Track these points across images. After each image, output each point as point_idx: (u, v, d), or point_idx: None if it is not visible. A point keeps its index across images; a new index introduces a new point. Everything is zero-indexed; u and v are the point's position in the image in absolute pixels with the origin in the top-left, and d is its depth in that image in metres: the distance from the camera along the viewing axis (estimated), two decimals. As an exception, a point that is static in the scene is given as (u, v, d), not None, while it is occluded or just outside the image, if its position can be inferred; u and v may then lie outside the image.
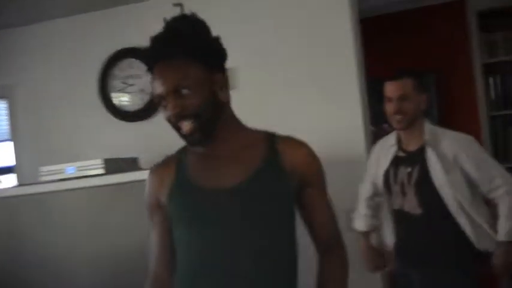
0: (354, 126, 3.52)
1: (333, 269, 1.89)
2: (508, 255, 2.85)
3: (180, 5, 1.73)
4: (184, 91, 1.73)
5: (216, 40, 1.81)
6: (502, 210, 2.88)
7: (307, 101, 3.63)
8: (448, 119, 5.11)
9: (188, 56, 1.74)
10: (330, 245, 1.90)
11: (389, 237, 3.13)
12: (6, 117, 4.40)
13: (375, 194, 3.20)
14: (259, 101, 3.67)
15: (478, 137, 4.99)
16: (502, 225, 2.87)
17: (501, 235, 2.86)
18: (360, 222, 3.24)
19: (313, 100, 3.62)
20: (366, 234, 3.24)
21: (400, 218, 3.02)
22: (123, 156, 3.76)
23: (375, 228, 3.25)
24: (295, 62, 3.66)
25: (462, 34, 5.07)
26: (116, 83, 4.09)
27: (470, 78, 5.05)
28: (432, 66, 5.13)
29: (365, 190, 3.25)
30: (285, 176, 1.78)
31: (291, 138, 1.88)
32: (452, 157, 2.88)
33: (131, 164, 3.70)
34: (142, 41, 4.24)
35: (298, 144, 1.87)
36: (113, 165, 3.56)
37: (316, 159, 1.88)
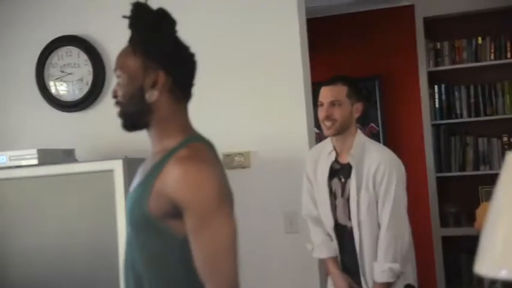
0: (298, 130, 3.54)
1: None
2: None
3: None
4: (119, 78, 1.80)
5: (167, 39, 1.79)
6: (380, 246, 2.87)
7: (251, 101, 3.64)
8: (392, 126, 5.21)
9: (133, 45, 1.77)
10: None
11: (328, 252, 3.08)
12: None
13: (316, 209, 3.12)
14: (200, 103, 3.65)
15: (420, 145, 5.13)
16: (379, 264, 2.87)
17: (377, 275, 2.86)
18: (322, 250, 3.08)
19: (257, 103, 3.63)
20: (331, 260, 3.05)
21: (340, 231, 3.01)
22: (58, 148, 3.69)
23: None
24: (240, 63, 3.66)
25: (409, 41, 5.17)
26: (53, 70, 4.00)
27: (415, 86, 5.16)
28: (378, 71, 5.22)
29: (308, 210, 3.16)
30: (146, 195, 1.73)
31: (184, 155, 1.71)
32: (372, 173, 2.89)
33: (67, 156, 3.63)
34: (82, 29, 4.20)
35: (178, 163, 1.69)
36: (48, 156, 3.49)
37: (192, 182, 1.65)
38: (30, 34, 4.05)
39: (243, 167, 3.57)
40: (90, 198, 3.36)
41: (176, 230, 1.69)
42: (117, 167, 3.26)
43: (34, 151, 3.44)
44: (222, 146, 3.55)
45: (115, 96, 1.82)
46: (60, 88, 4.01)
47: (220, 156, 3.50)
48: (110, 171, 3.25)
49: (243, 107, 3.64)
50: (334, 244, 3.03)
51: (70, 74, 3.98)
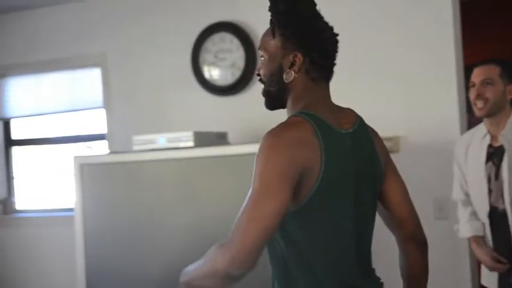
0: (449, 113, 3.54)
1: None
2: None
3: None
4: (261, 57, 1.92)
5: (304, 21, 1.86)
6: None
7: (400, 86, 3.68)
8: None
9: (272, 27, 1.88)
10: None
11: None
12: (100, 85, 4.65)
13: (466, 194, 3.14)
14: (348, 85, 3.74)
15: None
16: None
17: None
18: (466, 229, 3.11)
19: (408, 86, 3.66)
20: (476, 238, 3.07)
21: (495, 217, 2.99)
22: (211, 130, 3.94)
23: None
24: (390, 46, 3.71)
25: None
26: (207, 56, 4.26)
27: None
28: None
29: (457, 194, 3.19)
30: None
31: (273, 127, 1.81)
32: None
33: (220, 139, 3.87)
34: (235, 15, 4.42)
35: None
36: (202, 139, 3.74)
37: (258, 152, 1.75)
38: (185, 21, 4.32)
39: (392, 152, 3.62)
40: (242, 180, 3.56)
41: None
42: (268, 149, 3.43)
43: (190, 134, 3.71)
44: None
45: (258, 74, 1.95)
46: (213, 73, 4.26)
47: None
48: (262, 154, 3.43)
49: (393, 91, 3.69)
50: (480, 224, 3.05)
51: (223, 59, 4.21)
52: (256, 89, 4.08)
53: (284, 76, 1.86)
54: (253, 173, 1.73)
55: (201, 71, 4.27)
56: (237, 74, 4.15)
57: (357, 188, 1.83)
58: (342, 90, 3.67)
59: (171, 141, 3.74)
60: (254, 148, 3.59)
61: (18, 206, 5.12)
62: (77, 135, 4.91)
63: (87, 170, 3.91)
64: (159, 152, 3.74)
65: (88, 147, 4.94)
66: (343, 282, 1.81)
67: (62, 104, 4.84)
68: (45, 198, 5.08)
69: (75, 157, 3.97)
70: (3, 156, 5.10)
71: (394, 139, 3.63)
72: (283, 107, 1.93)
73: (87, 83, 4.72)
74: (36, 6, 4.71)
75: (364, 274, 1.88)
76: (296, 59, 1.84)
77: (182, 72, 4.32)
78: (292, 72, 1.85)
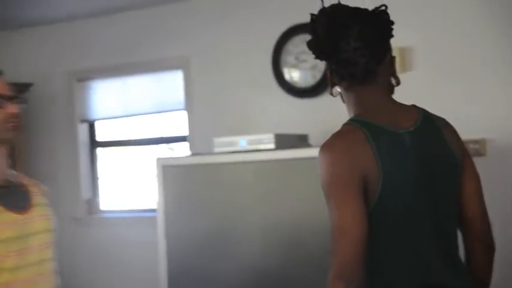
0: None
1: None
2: None
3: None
4: None
5: (320, 40, 1.91)
6: None
7: (481, 86, 3.58)
8: None
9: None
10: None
11: None
12: (182, 87, 4.73)
13: None
14: (436, 84, 3.67)
15: None
16: None
17: None
18: None
19: (488, 86, 3.56)
20: None
21: None
22: (291, 132, 3.94)
23: None
24: (477, 45, 3.62)
25: None
26: (288, 58, 4.26)
27: None
28: None
29: None
30: None
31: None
32: None
33: (301, 141, 3.87)
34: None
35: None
36: (283, 141, 3.75)
37: (318, 160, 1.83)
38: (266, 23, 4.35)
39: (479, 155, 3.53)
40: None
41: None
42: (350, 152, 3.41)
43: (271, 136, 3.72)
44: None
45: None
46: (293, 75, 4.26)
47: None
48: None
49: (480, 91, 3.60)
50: None
51: (304, 61, 4.21)
52: (337, 91, 4.08)
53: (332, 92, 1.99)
54: (323, 188, 1.80)
55: (281, 72, 4.29)
56: (318, 76, 4.14)
57: (428, 186, 1.82)
58: (427, 92, 3.63)
59: (252, 144, 3.77)
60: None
61: (103, 206, 5.26)
62: (160, 137, 5.01)
63: (169, 172, 3.98)
64: (240, 154, 3.77)
65: (170, 148, 5.02)
66: (418, 282, 1.80)
67: (145, 106, 4.94)
68: (128, 199, 5.19)
69: (158, 159, 4.05)
70: (88, 157, 5.24)
71: (481, 142, 3.54)
72: None
73: (170, 85, 4.80)
74: (121, 10, 4.83)
75: (451, 272, 1.85)
76: (328, 75, 1.96)
77: (263, 74, 4.35)
78: (331, 87, 1.97)
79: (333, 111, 4.06)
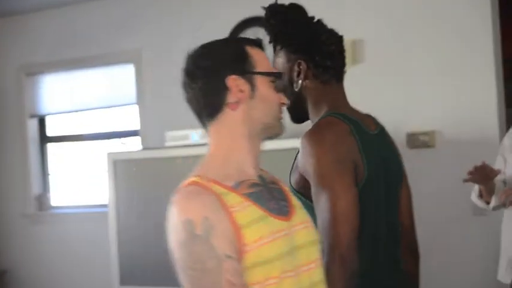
0: (487, 109, 3.47)
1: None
2: None
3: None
4: None
5: (299, 30, 1.92)
6: None
7: (431, 79, 3.61)
8: None
9: (273, 44, 1.99)
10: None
11: None
12: (134, 82, 4.67)
13: (504, 182, 2.93)
14: (386, 77, 3.69)
15: None
16: None
17: None
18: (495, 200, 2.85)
19: (437, 78, 3.59)
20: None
21: None
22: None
23: None
24: (427, 38, 3.64)
25: None
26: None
27: None
28: None
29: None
30: (292, 171, 1.92)
31: (308, 130, 1.85)
32: None
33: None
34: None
35: (302, 138, 1.83)
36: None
37: (305, 152, 1.81)
38: (219, 15, 4.32)
39: (428, 146, 3.57)
40: (283, 173, 3.55)
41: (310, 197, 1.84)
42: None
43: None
44: (407, 125, 3.61)
45: None
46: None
47: (404, 135, 3.56)
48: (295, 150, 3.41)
49: (429, 84, 3.63)
50: None
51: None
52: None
53: (294, 86, 1.92)
54: (312, 173, 1.78)
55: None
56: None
57: (387, 184, 1.91)
58: (378, 84, 3.64)
59: (204, 137, 3.73)
60: (293, 143, 3.59)
61: (54, 202, 5.18)
62: (111, 132, 4.95)
63: (121, 166, 3.93)
64: (192, 147, 3.74)
65: (122, 143, 4.97)
66: (390, 254, 1.94)
67: (96, 101, 4.87)
68: (79, 195, 5.13)
69: (109, 153, 4.00)
70: (38, 153, 5.16)
71: (430, 134, 3.57)
72: (308, 116, 1.98)
73: (121, 79, 4.74)
74: (70, 3, 4.74)
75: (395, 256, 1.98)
76: (300, 67, 1.91)
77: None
78: (300, 80, 1.92)
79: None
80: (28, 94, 5.08)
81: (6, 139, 5.14)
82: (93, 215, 4.78)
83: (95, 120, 5.04)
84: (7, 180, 5.10)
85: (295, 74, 1.92)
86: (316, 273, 1.50)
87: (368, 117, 1.97)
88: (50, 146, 5.22)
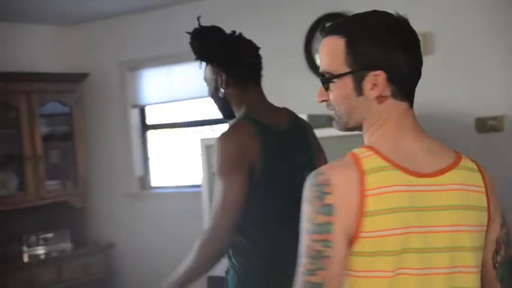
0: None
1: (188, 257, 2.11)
2: None
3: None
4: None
5: (218, 48, 2.20)
6: None
7: (499, 67, 3.51)
8: None
9: (200, 60, 2.31)
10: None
11: None
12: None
13: None
14: (455, 65, 3.62)
15: None
16: None
17: None
18: None
19: (506, 66, 3.49)
20: None
21: None
22: (322, 113, 3.91)
23: None
24: (494, 26, 3.54)
25: None
26: (319, 45, 4.22)
27: None
28: None
29: None
30: None
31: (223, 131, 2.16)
32: None
33: (331, 120, 3.84)
34: (345, 6, 4.37)
35: None
36: (315, 120, 3.74)
37: (215, 147, 2.09)
38: (299, 13, 4.33)
39: (496, 130, 3.48)
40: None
41: None
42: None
43: (304, 116, 3.70)
44: (475, 110, 3.53)
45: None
46: (324, 60, 4.23)
47: (473, 120, 3.48)
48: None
49: (497, 69, 3.54)
50: None
51: (333, 47, 4.18)
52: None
53: (219, 93, 2.19)
54: (216, 168, 2.07)
55: (313, 58, 4.26)
56: (346, 60, 4.10)
57: (294, 174, 2.12)
58: (447, 72, 3.58)
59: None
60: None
61: (153, 182, 5.32)
62: (203, 120, 5.03)
63: (212, 151, 4.01)
64: (276, 133, 3.77)
65: (212, 130, 5.05)
66: (281, 235, 2.12)
67: (189, 92, 4.97)
68: (176, 176, 5.24)
69: (202, 139, 4.08)
70: (140, 139, 5.30)
71: (499, 118, 3.49)
72: (234, 115, 2.23)
73: (211, 72, 4.81)
74: (165, 6, 4.85)
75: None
76: (222, 78, 2.18)
77: (296, 60, 4.33)
78: (222, 89, 2.18)
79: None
80: (130, 87, 5.23)
81: (112, 127, 5.30)
82: (188, 194, 4.89)
83: (188, 109, 5.14)
84: (113, 163, 5.27)
85: (219, 83, 2.17)
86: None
87: (282, 113, 2.22)
88: (150, 133, 5.36)
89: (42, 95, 4.71)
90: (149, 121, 5.35)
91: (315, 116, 3.76)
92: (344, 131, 1.44)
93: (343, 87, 1.35)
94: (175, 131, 5.29)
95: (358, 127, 1.38)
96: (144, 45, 5.08)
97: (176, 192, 5.07)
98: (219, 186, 2.05)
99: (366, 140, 1.36)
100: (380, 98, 1.32)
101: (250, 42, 2.24)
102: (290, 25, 4.37)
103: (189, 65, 4.88)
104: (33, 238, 4.75)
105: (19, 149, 4.74)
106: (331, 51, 1.36)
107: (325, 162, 2.21)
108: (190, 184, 4.99)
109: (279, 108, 2.23)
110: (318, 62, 4.43)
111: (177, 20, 4.90)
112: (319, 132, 3.62)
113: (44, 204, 4.84)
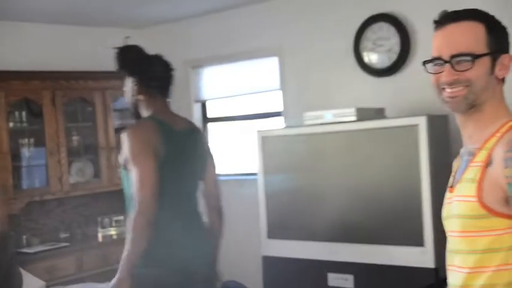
0: None
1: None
2: None
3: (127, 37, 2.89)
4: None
5: (132, 64, 2.56)
6: None
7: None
8: None
9: (120, 72, 2.66)
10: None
11: None
12: (277, 71, 4.76)
13: None
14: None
15: None
16: None
17: None
18: None
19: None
20: None
21: None
22: (370, 106, 3.91)
23: None
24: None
25: None
26: (367, 43, 4.21)
27: None
28: None
29: None
30: None
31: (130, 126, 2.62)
32: None
33: (378, 113, 3.83)
34: (392, 7, 4.32)
35: None
36: (363, 114, 3.73)
37: (124, 140, 2.42)
38: (348, 13, 4.31)
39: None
40: (398, 149, 3.53)
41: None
42: (421, 122, 3.37)
43: (353, 109, 3.71)
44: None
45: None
46: (372, 57, 4.21)
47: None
48: (415, 126, 3.38)
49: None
50: None
51: (381, 45, 4.15)
52: (411, 70, 4.01)
53: (133, 99, 2.55)
54: (128, 155, 2.36)
55: (361, 56, 4.24)
56: (393, 57, 4.08)
57: (187, 164, 2.51)
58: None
59: (337, 116, 3.78)
60: (408, 121, 3.56)
61: (214, 171, 5.36)
62: (259, 113, 5.08)
63: (267, 141, 4.06)
64: (327, 125, 3.79)
65: (267, 122, 5.07)
66: (181, 209, 2.52)
67: (246, 88, 5.01)
68: (234, 165, 5.30)
69: (258, 131, 4.13)
70: (202, 131, 5.35)
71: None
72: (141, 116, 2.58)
73: (267, 69, 4.85)
74: (224, 10, 4.90)
75: (194, 216, 2.62)
76: (135, 87, 2.53)
77: (345, 57, 4.32)
78: (134, 96, 2.54)
79: (406, 87, 4.02)
80: (193, 83, 5.32)
81: (177, 120, 5.38)
82: (245, 182, 4.94)
83: (246, 103, 5.18)
84: (178, 153, 5.34)
85: (134, 91, 2.52)
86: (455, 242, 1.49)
87: (182, 119, 2.60)
88: (210, 125, 5.43)
89: (115, 91, 4.84)
90: (210, 114, 5.42)
91: (362, 109, 3.75)
92: (462, 111, 1.48)
93: (483, 66, 1.44)
94: (233, 124, 5.34)
95: (477, 106, 1.46)
96: (206, 45, 5.15)
97: (235, 180, 5.12)
98: (134, 170, 2.33)
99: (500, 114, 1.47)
100: (500, 79, 1.48)
101: (164, 61, 2.59)
102: (340, 25, 4.35)
103: (247, 62, 4.95)
104: (106, 220, 4.90)
105: (95, 140, 4.90)
106: (473, 34, 1.44)
107: (212, 163, 2.70)
108: (248, 172, 5.03)
109: (180, 116, 2.61)
110: (366, 59, 4.41)
111: (235, 22, 4.95)
112: (367, 124, 3.63)
113: (116, 190, 4.98)
